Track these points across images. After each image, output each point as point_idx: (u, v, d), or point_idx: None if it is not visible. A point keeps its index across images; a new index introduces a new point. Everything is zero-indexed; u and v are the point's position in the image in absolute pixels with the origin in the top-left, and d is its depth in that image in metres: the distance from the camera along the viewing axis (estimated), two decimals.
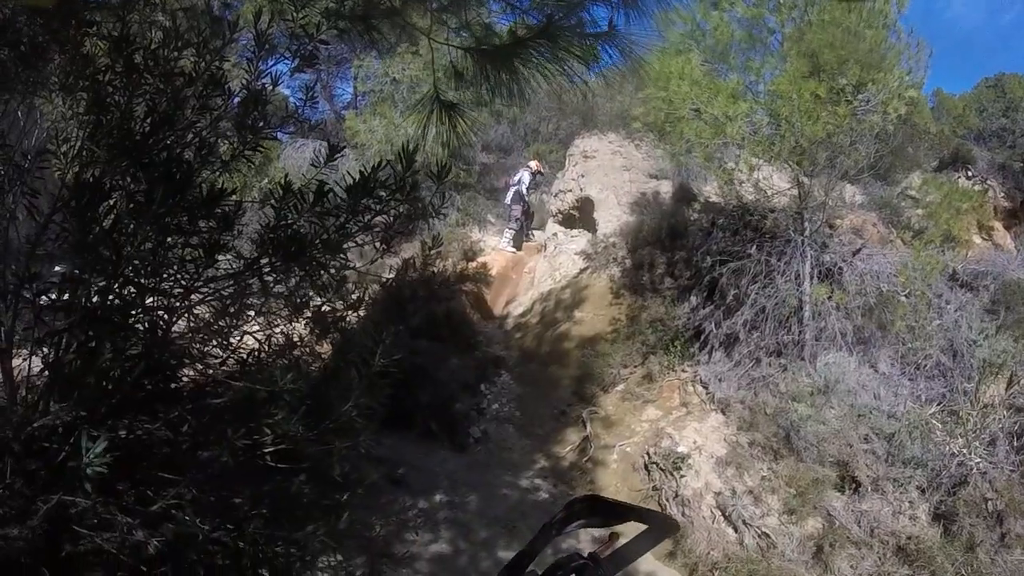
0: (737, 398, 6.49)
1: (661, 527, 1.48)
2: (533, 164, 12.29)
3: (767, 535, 5.17)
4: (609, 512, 1.59)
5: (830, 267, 6.81)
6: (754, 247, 7.04)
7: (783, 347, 6.70)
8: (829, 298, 6.44)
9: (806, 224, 6.75)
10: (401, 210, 2.62)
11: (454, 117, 3.49)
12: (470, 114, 3.61)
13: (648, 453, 6.24)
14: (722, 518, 5.46)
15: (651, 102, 6.90)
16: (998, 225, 10.88)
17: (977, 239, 9.89)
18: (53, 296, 2.12)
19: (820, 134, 5.95)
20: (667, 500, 5.80)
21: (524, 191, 11.86)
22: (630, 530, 1.47)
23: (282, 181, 2.54)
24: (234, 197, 2.58)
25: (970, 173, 11.92)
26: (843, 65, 5.96)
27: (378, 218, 2.65)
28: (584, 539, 4.10)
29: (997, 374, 5.80)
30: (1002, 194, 11.79)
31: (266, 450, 2.34)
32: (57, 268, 2.24)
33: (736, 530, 5.32)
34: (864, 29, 5.97)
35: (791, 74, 5.94)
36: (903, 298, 6.45)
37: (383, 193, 2.45)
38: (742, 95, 6.43)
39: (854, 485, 5.31)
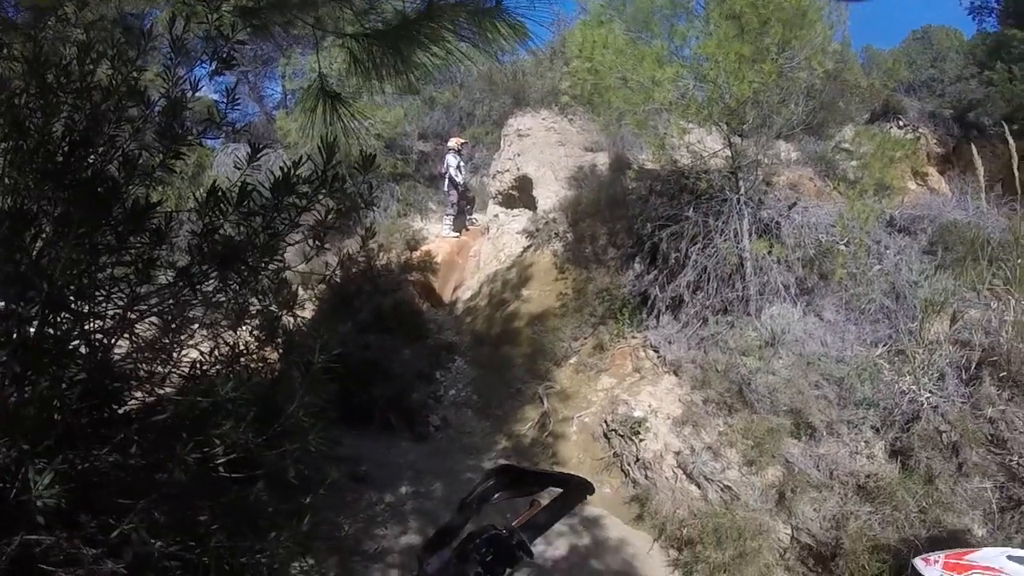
0: (688, 358, 6.62)
1: (576, 490, 1.52)
2: (452, 142, 12.15)
3: (729, 488, 5.30)
4: (524, 480, 1.62)
5: (767, 223, 6.96)
6: (691, 209, 7.15)
7: (728, 304, 6.85)
8: (769, 252, 6.59)
9: (741, 183, 6.89)
10: (329, 204, 2.61)
11: (339, 107, 3.46)
12: (356, 104, 3.57)
13: (606, 421, 6.35)
14: (684, 476, 5.58)
15: (577, 74, 6.93)
16: (932, 171, 11.26)
17: (912, 185, 10.24)
18: None
19: (748, 93, 6.06)
20: (629, 465, 5.91)
21: (455, 174, 11.80)
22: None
23: (209, 187, 2.50)
24: (164, 208, 2.54)
25: (902, 123, 12.27)
26: (766, 25, 6.07)
27: (308, 215, 2.64)
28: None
29: (940, 312, 5.97)
30: (934, 141, 12.17)
31: (218, 461, 2.33)
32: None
33: (699, 487, 5.45)
34: None
35: (717, 37, 6.04)
36: (842, 247, 6.66)
37: (306, 188, 2.44)
38: (667, 60, 6.50)
39: (809, 431, 5.44)
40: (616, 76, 6.47)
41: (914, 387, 5.37)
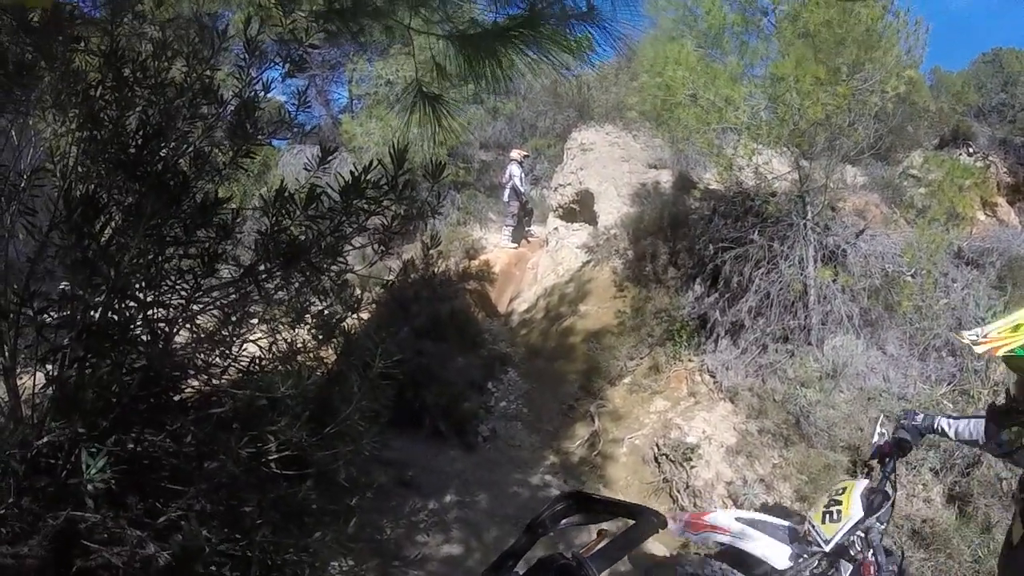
0: (745, 386, 6.45)
1: (648, 522, 1.45)
2: (515, 153, 12.20)
3: None
4: (595, 508, 1.56)
5: (833, 249, 6.74)
6: (756, 232, 6.98)
7: (789, 332, 6.65)
8: (834, 281, 6.39)
9: (808, 207, 6.69)
10: (397, 210, 2.62)
11: (438, 109, 3.43)
12: (455, 105, 3.52)
13: (657, 445, 6.21)
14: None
15: (646, 90, 6.86)
16: (1002, 201, 10.79)
17: (981, 216, 9.80)
18: (54, 314, 2.12)
19: (820, 115, 5.90)
20: (678, 491, 5.77)
21: (519, 185, 11.82)
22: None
23: (277, 187, 2.54)
24: (231, 205, 2.59)
25: (971, 150, 11.82)
26: (839, 45, 5.91)
27: (375, 219, 2.65)
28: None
29: None
30: (1004, 169, 11.69)
31: (271, 457, 2.34)
32: (63, 286, 2.24)
33: None
34: (860, 8, 5.92)
35: (794, 57, 5.89)
36: (908, 278, 6.41)
37: (375, 193, 2.44)
38: (740, 79, 6.38)
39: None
40: (687, 93, 6.37)
41: None
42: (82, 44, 2.51)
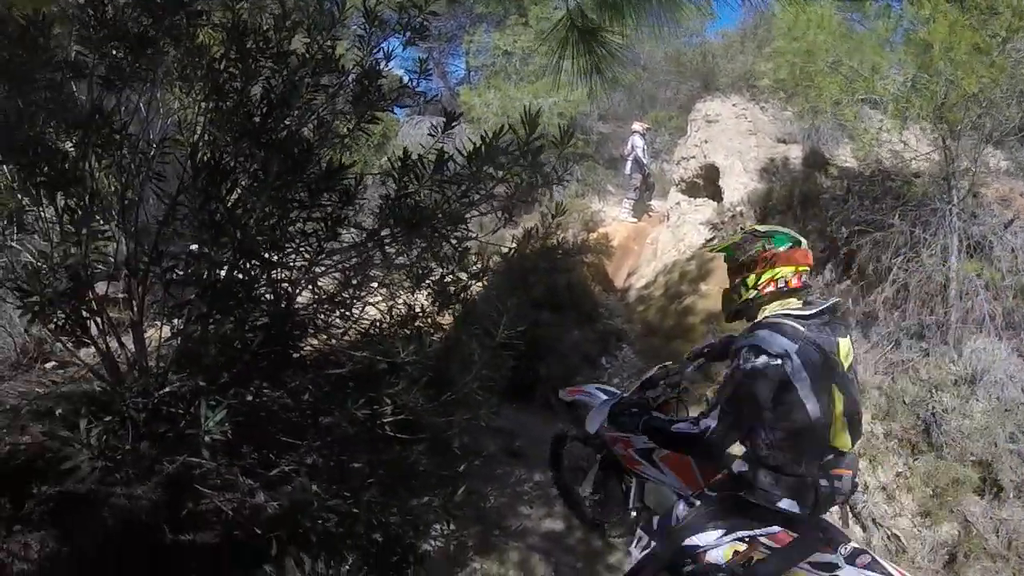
0: (873, 383, 5.97)
1: None
2: (636, 125, 11.87)
3: (898, 537, 4.78)
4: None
5: (979, 240, 6.10)
6: (896, 216, 6.43)
7: (925, 329, 6.09)
8: (979, 275, 5.80)
9: (953, 191, 6.09)
10: (524, 178, 2.57)
11: (594, 47, 3.10)
12: (614, 41, 3.15)
13: None
14: (851, 514, 5.02)
15: (782, 55, 6.40)
16: None
17: None
18: (181, 272, 2.25)
19: (974, 88, 5.31)
20: None
21: (641, 156, 11.51)
22: None
23: (401, 154, 2.56)
24: (354, 171, 2.64)
25: None
26: (992, 12, 5.29)
27: (500, 187, 2.61)
28: None
29: None
30: None
31: (386, 420, 2.38)
32: (192, 247, 2.37)
33: (865, 529, 4.93)
34: None
35: (945, 21, 5.31)
36: None
37: (504, 159, 2.40)
38: (886, 46, 5.85)
39: (995, 489, 4.81)
40: (828, 60, 5.90)
41: None
42: (205, 19, 2.61)
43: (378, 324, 2.71)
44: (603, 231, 10.78)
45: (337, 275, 2.69)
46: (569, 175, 2.58)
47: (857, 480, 2.72)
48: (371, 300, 2.89)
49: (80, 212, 2.32)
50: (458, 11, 13.97)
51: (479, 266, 2.88)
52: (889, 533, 4.82)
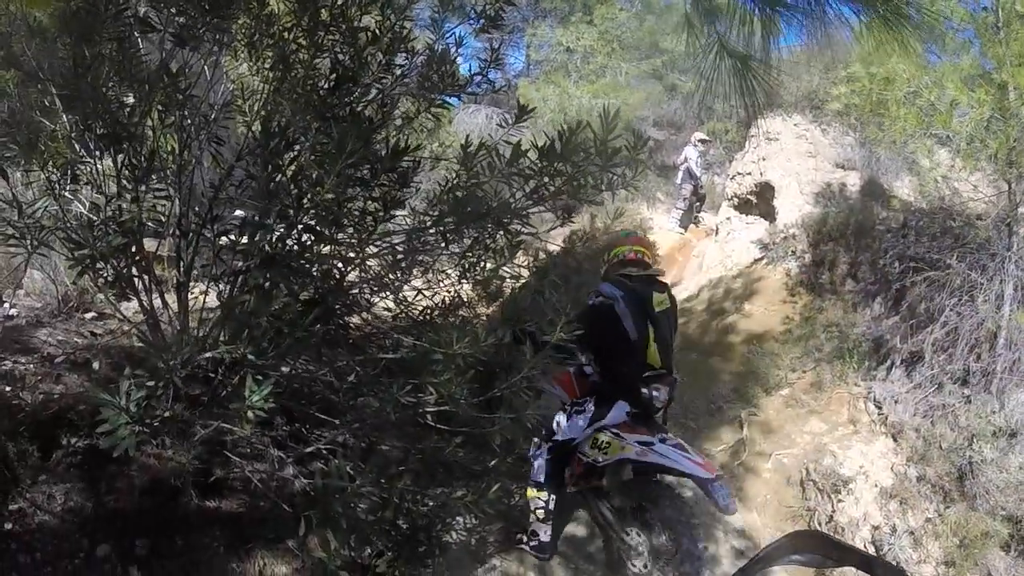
0: (912, 425, 5.77)
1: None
2: (695, 136, 11.68)
3: None
4: (825, 551, 1.41)
5: None
6: (954, 257, 6.21)
7: (970, 375, 5.87)
8: None
9: (1012, 237, 5.86)
10: (594, 178, 2.49)
11: (747, 74, 3.10)
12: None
13: (806, 468, 5.71)
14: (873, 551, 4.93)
15: (858, 80, 6.21)
16: None
17: None
18: (232, 238, 2.22)
19: None
20: (819, 523, 5.27)
21: (694, 168, 11.34)
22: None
23: (464, 141, 2.51)
24: (418, 154, 2.60)
25: None
26: None
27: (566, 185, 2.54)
28: None
29: None
30: None
31: (428, 409, 2.33)
32: (238, 212, 2.34)
33: None
34: None
35: None
36: None
37: (578, 158, 2.33)
38: (973, 82, 5.63)
39: (1022, 547, 4.63)
40: (907, 91, 5.71)
41: None
42: None
43: (429, 312, 2.67)
44: (650, 239, 10.65)
45: (388, 256, 2.65)
46: (639, 180, 2.51)
47: (674, 396, 4.08)
48: (418, 285, 2.85)
49: (138, 168, 2.30)
50: (524, 3, 13.93)
51: (528, 262, 2.82)
52: None
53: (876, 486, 5.34)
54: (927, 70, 5.77)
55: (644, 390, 3.73)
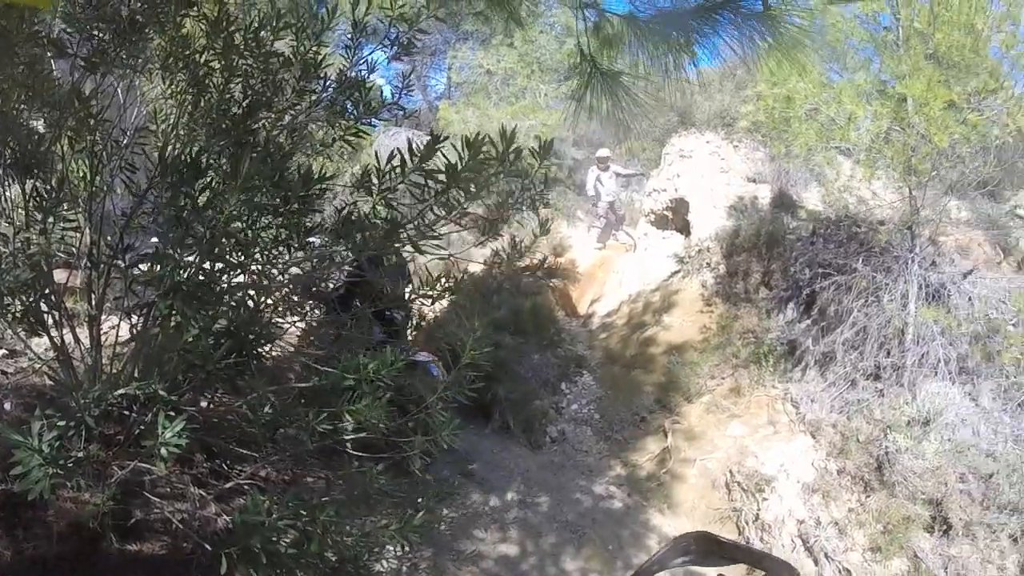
0: (829, 421, 6.08)
1: (777, 572, 1.34)
2: (601, 152, 11.88)
3: (849, 572, 4.82)
4: (717, 551, 1.46)
5: (938, 288, 6.26)
6: (860, 260, 6.60)
7: (881, 371, 6.21)
8: (935, 322, 5.96)
9: (915, 240, 6.28)
10: (504, 192, 2.54)
11: (616, 88, 3.20)
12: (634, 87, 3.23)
13: (730, 471, 5.93)
14: (803, 548, 5.11)
15: (763, 99, 6.53)
16: None
17: None
18: (144, 268, 2.16)
19: (946, 144, 5.50)
20: (746, 523, 5.49)
21: (600, 186, 11.55)
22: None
23: (371, 167, 2.51)
24: (330, 181, 2.58)
25: None
26: (969, 70, 5.49)
27: (474, 203, 2.57)
28: None
29: None
30: None
31: (346, 437, 2.31)
32: (154, 240, 2.28)
33: (816, 563, 4.97)
34: (992, 33, 5.49)
35: (923, 77, 5.49)
36: (1011, 327, 5.92)
37: (481, 167, 2.35)
38: (867, 96, 6.01)
39: (945, 527, 4.87)
40: (807, 107, 6.05)
41: None
42: (193, 9, 2.54)
43: (339, 335, 2.64)
44: (570, 257, 10.82)
45: (301, 282, 2.62)
46: (547, 196, 2.55)
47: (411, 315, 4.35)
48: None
49: (46, 199, 2.22)
50: (445, 26, 14.02)
51: (446, 283, 2.83)
52: (840, 567, 4.87)
53: (798, 482, 5.57)
54: (827, 87, 6.10)
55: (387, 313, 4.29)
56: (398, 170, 2.34)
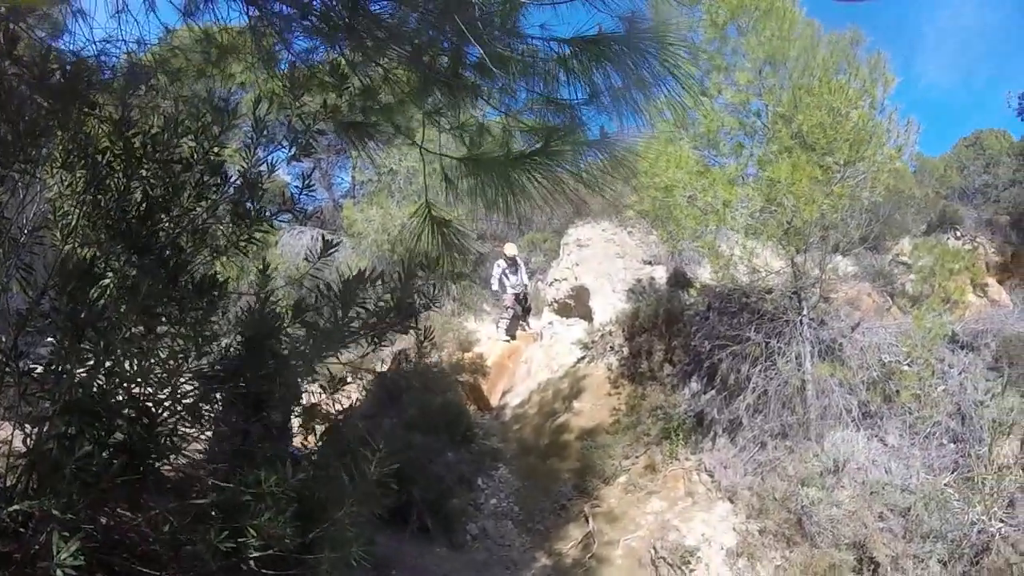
0: (744, 484, 6.26)
1: None
2: (508, 249, 12.03)
3: None
4: None
5: (830, 344, 6.71)
6: (752, 330, 6.96)
7: (788, 429, 6.53)
8: (832, 375, 6.33)
9: (803, 303, 6.72)
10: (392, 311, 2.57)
11: (447, 235, 3.49)
12: (461, 231, 3.60)
13: (655, 548, 5.94)
14: None
15: (644, 191, 6.95)
16: (991, 281, 10.84)
17: (972, 297, 9.78)
18: (39, 373, 2.04)
19: (815, 215, 6.00)
20: None
21: (504, 279, 11.72)
22: None
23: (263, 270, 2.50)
24: (229, 286, 2.53)
25: (959, 232, 12.03)
26: (831, 144, 6.06)
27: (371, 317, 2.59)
28: None
29: (1009, 433, 5.69)
30: (992, 249, 11.92)
31: (251, 555, 2.17)
32: (48, 342, 2.15)
33: None
34: (850, 110, 6.10)
35: (792, 160, 6.01)
36: (905, 367, 6.35)
37: (372, 307, 2.41)
38: (736, 181, 6.50)
39: (873, 566, 5.07)
40: (685, 195, 6.47)
41: (984, 517, 5.05)
42: (96, 110, 2.51)
43: (240, 446, 2.53)
44: (478, 351, 10.84)
45: (198, 392, 2.52)
46: (441, 297, 2.63)
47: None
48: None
49: None
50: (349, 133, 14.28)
51: (351, 388, 2.79)
52: None
53: (722, 548, 5.66)
54: (703, 175, 6.55)
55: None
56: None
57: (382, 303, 2.53)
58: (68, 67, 2.33)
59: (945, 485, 5.48)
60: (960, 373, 6.59)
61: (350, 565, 2.47)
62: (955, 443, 5.97)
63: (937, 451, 5.93)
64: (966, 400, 6.20)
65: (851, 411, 6.32)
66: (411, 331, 2.86)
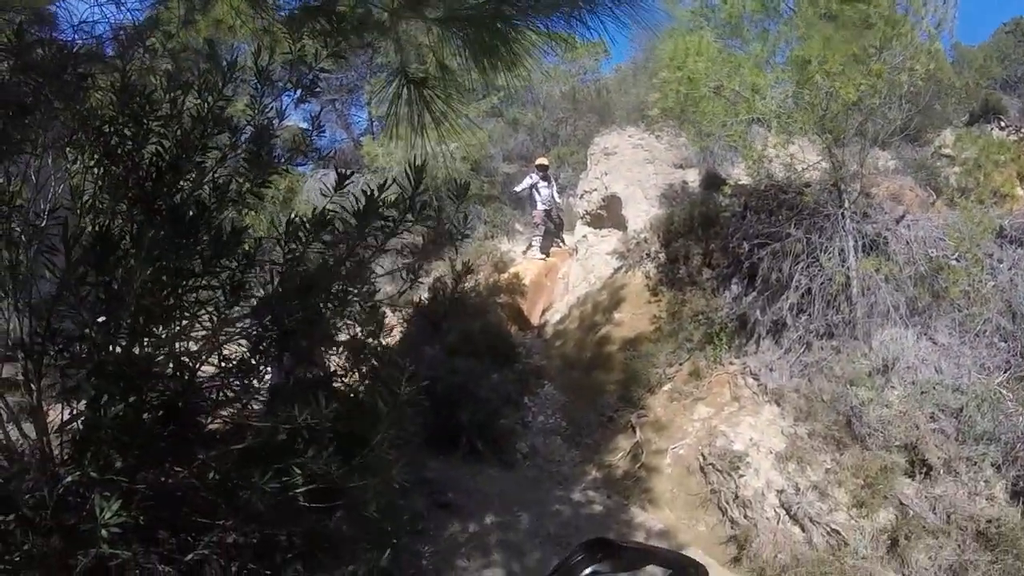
0: (791, 387, 6.21)
1: (686, 572, 1.34)
2: (540, 160, 11.89)
3: (837, 532, 4.87)
4: (622, 556, 1.44)
5: (874, 238, 6.47)
6: (791, 225, 6.77)
7: (834, 328, 6.38)
8: (877, 271, 6.14)
9: (843, 196, 6.47)
10: (423, 234, 2.55)
11: (426, 93, 3.27)
12: (446, 91, 3.34)
13: (703, 454, 6.00)
14: (787, 517, 5.17)
15: (667, 85, 6.67)
16: None
17: (1021, 191, 9.44)
18: (71, 352, 2.10)
19: (854, 97, 5.67)
20: (727, 502, 5.53)
21: (536, 194, 11.61)
22: None
23: (287, 218, 2.50)
24: (254, 234, 2.55)
25: (1003, 123, 11.39)
26: (867, 22, 5.70)
27: (399, 241, 2.58)
28: None
29: None
30: None
31: (299, 490, 2.26)
32: (70, 323, 2.21)
33: (803, 529, 5.03)
34: None
35: (818, 37, 5.67)
36: (954, 262, 6.13)
37: (392, 213, 2.38)
38: (764, 66, 6.19)
39: (925, 469, 4.99)
40: (710, 85, 6.20)
41: None
42: (92, 81, 2.49)
43: (279, 389, 2.61)
44: (514, 270, 10.83)
45: (243, 342, 2.57)
46: (471, 227, 2.59)
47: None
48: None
49: None
50: (357, 62, 13.99)
51: (381, 324, 2.82)
52: (828, 529, 4.92)
53: (771, 453, 5.64)
54: (727, 62, 6.25)
55: None
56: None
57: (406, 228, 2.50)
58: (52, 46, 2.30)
59: (998, 385, 5.35)
60: (1010, 269, 6.31)
61: (392, 488, 2.56)
62: (1006, 342, 5.78)
63: (988, 350, 5.74)
64: (1017, 297, 5.99)
65: (899, 308, 6.13)
66: (446, 258, 2.85)
